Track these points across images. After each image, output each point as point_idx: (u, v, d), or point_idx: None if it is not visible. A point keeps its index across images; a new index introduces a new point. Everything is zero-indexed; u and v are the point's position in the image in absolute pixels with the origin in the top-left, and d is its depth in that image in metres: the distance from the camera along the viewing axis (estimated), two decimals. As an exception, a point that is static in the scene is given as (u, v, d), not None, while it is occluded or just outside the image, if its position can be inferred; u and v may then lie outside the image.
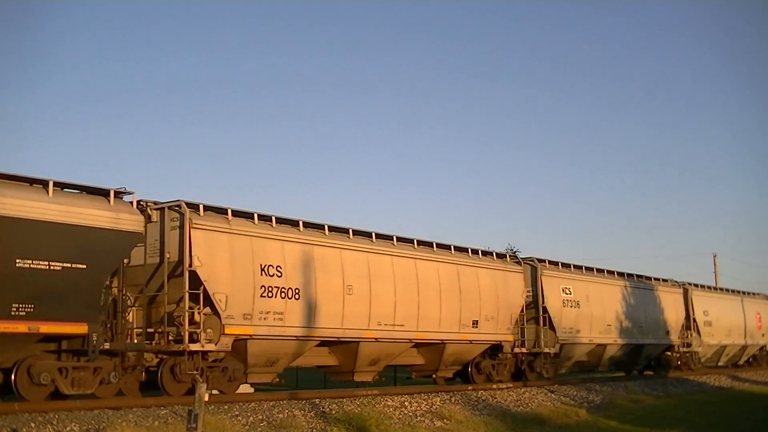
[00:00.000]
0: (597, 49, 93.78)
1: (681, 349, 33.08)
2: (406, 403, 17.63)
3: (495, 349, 23.39)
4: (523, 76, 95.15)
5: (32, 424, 11.73)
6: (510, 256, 24.29)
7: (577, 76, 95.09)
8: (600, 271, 28.58)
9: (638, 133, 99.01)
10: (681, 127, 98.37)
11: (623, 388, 25.91)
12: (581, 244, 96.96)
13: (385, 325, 19.40)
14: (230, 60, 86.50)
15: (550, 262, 25.70)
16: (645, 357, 31.28)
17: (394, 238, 20.27)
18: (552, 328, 24.82)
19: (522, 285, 24.18)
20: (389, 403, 17.26)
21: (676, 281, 33.82)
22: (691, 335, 33.64)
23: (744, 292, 40.31)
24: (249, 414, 14.49)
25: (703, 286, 35.85)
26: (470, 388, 21.33)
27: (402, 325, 19.83)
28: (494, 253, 23.70)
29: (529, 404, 20.60)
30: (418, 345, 21.05)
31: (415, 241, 20.86)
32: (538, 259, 25.10)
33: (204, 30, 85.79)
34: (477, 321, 22.11)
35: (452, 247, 21.97)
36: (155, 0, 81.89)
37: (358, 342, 18.90)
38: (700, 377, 33.13)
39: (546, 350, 24.58)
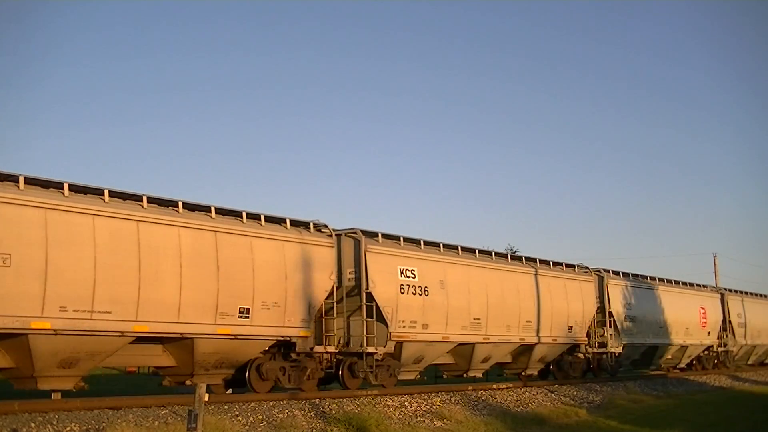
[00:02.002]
0: (597, 48, 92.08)
1: (591, 350, 27.31)
2: (406, 403, 17.42)
3: (290, 347, 17.84)
4: (523, 76, 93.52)
5: (32, 424, 11.63)
6: (315, 225, 18.53)
7: (577, 76, 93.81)
8: (469, 250, 22.80)
9: (638, 133, 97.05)
10: (681, 127, 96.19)
11: (623, 388, 25.57)
12: (581, 244, 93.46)
13: (75, 311, 13.84)
14: (230, 60, 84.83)
15: (384, 236, 19.99)
16: (539, 359, 25.52)
17: (106, 193, 14.73)
18: (383, 320, 19.23)
19: (332, 264, 18.55)
20: (389, 403, 17.05)
21: (588, 268, 27.96)
22: (606, 332, 27.82)
23: (685, 283, 34.34)
24: (249, 414, 14.29)
25: (626, 275, 29.90)
26: (470, 387, 20.91)
27: (108, 312, 14.26)
28: (288, 221, 17.94)
29: (529, 404, 20.49)
30: (151, 340, 15.55)
31: (145, 198, 15.29)
32: (364, 231, 19.46)
33: (204, 30, 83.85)
34: (248, 309, 16.52)
35: (213, 209, 16.41)
36: (155, 0, 78.25)
37: (27, 335, 13.43)
38: (700, 377, 32.12)
39: (370, 350, 18.93)
